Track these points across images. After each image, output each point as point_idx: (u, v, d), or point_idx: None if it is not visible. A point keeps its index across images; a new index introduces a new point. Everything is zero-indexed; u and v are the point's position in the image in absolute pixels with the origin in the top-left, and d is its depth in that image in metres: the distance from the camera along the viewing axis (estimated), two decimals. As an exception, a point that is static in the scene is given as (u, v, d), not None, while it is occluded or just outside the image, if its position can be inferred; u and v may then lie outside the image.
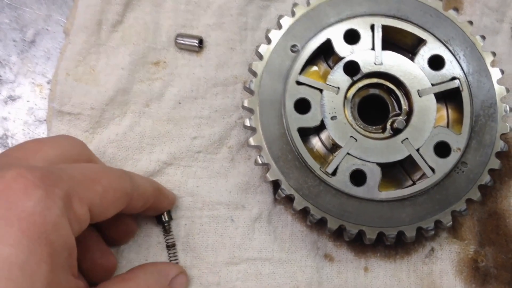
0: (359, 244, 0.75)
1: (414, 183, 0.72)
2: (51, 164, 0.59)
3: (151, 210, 0.71)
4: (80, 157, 0.65)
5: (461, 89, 0.71)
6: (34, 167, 0.53)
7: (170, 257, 0.74)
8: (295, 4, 0.74)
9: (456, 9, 0.76)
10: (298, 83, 0.71)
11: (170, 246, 0.74)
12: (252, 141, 0.70)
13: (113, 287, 0.62)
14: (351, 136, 0.69)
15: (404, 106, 0.73)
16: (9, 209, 0.48)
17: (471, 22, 0.75)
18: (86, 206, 0.55)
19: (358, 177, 0.69)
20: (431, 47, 0.73)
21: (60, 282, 0.50)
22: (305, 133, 0.72)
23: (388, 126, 0.73)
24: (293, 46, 0.72)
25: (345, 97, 0.72)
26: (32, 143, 0.64)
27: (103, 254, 0.69)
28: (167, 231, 0.74)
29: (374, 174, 0.68)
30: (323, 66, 0.76)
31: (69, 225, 0.52)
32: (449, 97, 0.74)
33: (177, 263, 0.74)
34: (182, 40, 0.79)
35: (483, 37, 0.75)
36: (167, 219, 0.74)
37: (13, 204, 0.49)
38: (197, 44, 0.79)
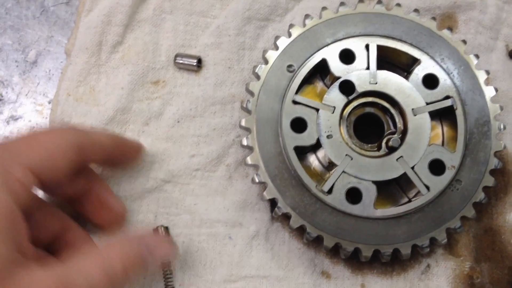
0: (356, 261, 0.75)
1: (409, 201, 0.72)
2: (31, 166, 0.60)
3: (118, 161, 0.74)
4: (66, 155, 0.63)
5: (455, 107, 0.72)
6: None
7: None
8: (291, 25, 0.75)
9: (450, 29, 0.77)
10: (295, 102, 0.71)
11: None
12: (249, 160, 0.71)
13: (78, 259, 0.58)
14: (347, 155, 0.70)
15: (399, 124, 0.74)
16: None
17: (464, 41, 0.76)
18: (25, 168, 0.57)
19: (354, 195, 0.69)
20: (425, 66, 0.74)
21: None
22: (302, 152, 0.73)
23: (383, 144, 0.73)
24: (290, 66, 0.73)
25: (341, 116, 0.72)
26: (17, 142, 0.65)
27: (110, 196, 0.72)
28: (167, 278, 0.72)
29: (369, 192, 0.69)
30: (320, 84, 0.76)
31: (9, 195, 0.54)
32: (444, 115, 0.75)
33: None
34: (181, 60, 0.80)
35: (477, 56, 0.75)
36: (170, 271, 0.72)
37: None
38: (195, 64, 0.80)
